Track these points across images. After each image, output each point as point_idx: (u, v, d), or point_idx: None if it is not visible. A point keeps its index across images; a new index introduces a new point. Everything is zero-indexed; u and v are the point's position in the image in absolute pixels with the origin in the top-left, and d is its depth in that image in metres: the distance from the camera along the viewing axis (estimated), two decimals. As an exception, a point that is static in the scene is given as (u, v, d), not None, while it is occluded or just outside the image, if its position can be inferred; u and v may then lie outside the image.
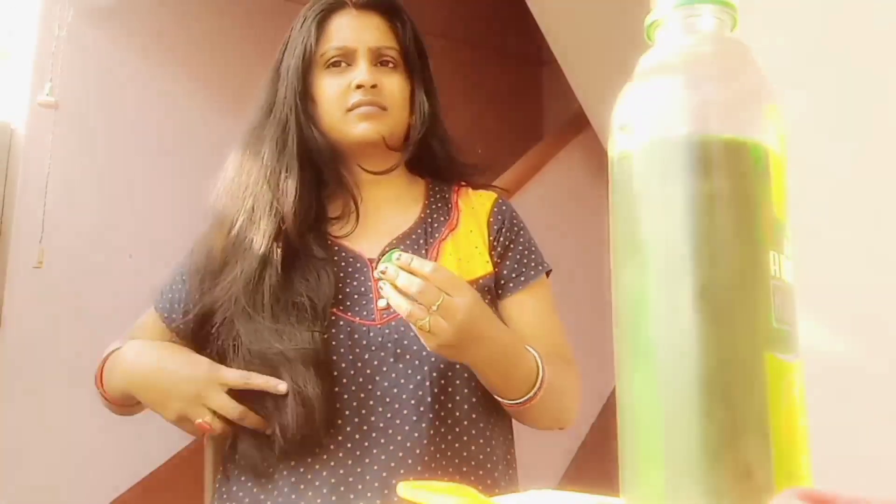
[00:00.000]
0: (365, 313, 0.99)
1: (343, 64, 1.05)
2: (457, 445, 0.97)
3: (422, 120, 1.09)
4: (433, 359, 0.97)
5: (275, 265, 0.97)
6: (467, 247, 1.07)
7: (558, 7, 2.30)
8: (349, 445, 0.94)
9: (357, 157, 1.07)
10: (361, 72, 1.03)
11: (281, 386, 0.92)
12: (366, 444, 0.94)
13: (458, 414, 0.98)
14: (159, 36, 2.49)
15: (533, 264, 1.09)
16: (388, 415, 0.95)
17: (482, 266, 1.06)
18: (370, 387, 0.96)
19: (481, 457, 0.98)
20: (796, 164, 0.45)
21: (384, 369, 0.97)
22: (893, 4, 0.98)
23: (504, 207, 1.13)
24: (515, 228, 1.12)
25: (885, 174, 0.98)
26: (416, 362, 0.97)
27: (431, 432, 0.95)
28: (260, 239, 0.98)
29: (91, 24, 2.28)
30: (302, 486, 0.93)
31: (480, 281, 1.04)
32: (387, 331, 0.98)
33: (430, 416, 0.96)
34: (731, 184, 0.38)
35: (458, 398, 0.98)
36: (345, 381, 0.96)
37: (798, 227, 0.42)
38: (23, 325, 2.08)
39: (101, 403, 1.09)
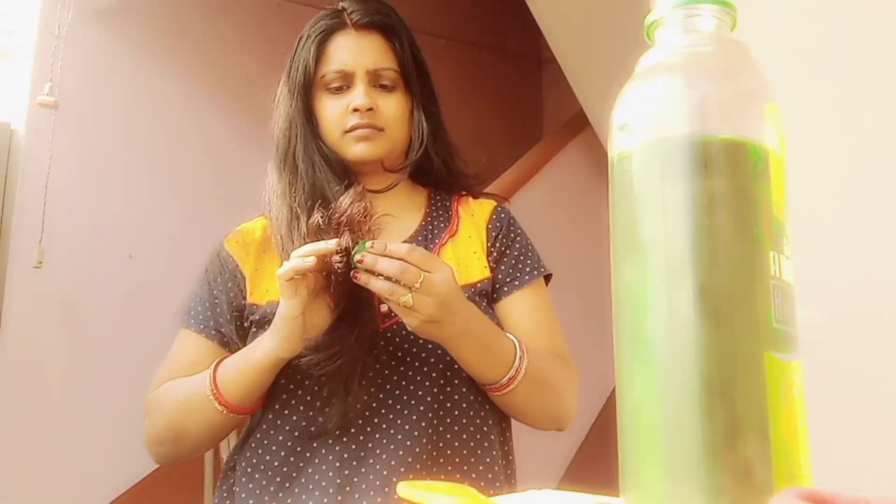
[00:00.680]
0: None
1: (342, 86, 1.07)
2: (457, 444, 0.98)
3: (420, 140, 1.11)
4: (434, 361, 0.99)
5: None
6: (466, 252, 1.08)
7: (558, 7, 2.30)
8: (353, 447, 0.96)
9: (357, 175, 1.09)
10: (358, 95, 1.05)
11: (331, 243, 0.90)
12: (370, 444, 0.96)
13: (457, 414, 0.99)
14: (159, 36, 2.49)
15: (528, 268, 1.10)
16: (391, 416, 0.97)
17: (480, 271, 1.07)
18: (373, 389, 0.97)
19: (481, 456, 1.00)
20: (796, 164, 0.45)
21: (386, 372, 0.98)
22: (893, 4, 0.98)
23: (503, 214, 1.15)
24: (512, 234, 1.13)
25: (884, 174, 0.98)
26: (417, 364, 0.99)
27: (430, 431, 0.97)
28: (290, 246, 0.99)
29: (91, 24, 2.28)
30: (308, 486, 0.95)
31: (478, 285, 1.06)
32: (388, 334, 0.99)
33: (431, 416, 0.97)
34: (731, 184, 0.38)
35: (457, 398, 1.00)
36: None
37: (798, 227, 0.42)
38: (23, 325, 2.08)
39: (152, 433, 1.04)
